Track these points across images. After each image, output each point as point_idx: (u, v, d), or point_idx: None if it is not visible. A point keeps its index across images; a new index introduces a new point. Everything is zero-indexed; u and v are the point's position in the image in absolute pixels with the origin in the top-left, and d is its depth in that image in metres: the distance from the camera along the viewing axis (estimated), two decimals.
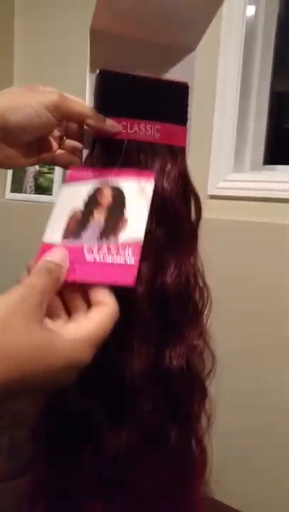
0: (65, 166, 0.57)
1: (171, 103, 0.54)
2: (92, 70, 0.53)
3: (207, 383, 0.56)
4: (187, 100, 0.55)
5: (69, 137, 0.57)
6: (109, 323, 0.42)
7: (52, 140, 0.57)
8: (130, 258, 0.45)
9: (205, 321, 0.56)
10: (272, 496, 1.22)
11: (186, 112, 0.55)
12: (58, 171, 1.59)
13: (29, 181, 1.66)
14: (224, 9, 1.28)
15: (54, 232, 0.48)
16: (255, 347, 1.24)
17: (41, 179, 1.63)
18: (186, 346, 0.52)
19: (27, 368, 0.37)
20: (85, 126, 0.53)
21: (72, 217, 0.49)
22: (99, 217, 0.48)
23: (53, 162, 0.58)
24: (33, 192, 1.64)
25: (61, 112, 0.49)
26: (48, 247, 0.46)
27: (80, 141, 0.55)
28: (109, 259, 0.45)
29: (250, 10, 1.33)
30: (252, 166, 1.41)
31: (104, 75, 0.52)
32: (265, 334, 1.22)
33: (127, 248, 0.46)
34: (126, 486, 0.53)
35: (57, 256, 0.44)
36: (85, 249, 0.46)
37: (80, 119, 0.52)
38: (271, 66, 1.39)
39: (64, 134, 0.57)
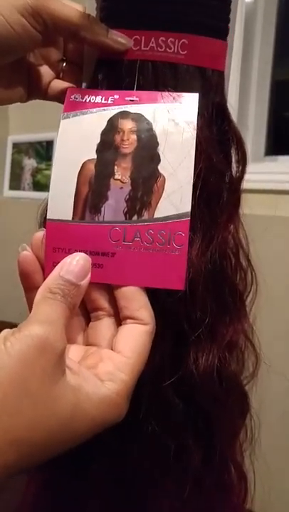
0: (62, 102, 0.40)
1: (204, 5, 0.35)
2: None
3: (248, 391, 0.42)
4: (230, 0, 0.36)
5: (70, 62, 0.40)
6: (148, 351, 0.32)
7: (46, 67, 0.40)
8: (175, 246, 0.32)
9: (249, 311, 0.41)
10: None
11: (228, 19, 0.37)
12: None
13: (27, 179, 1.58)
14: None
15: (60, 201, 0.33)
16: None
17: (39, 176, 1.54)
18: (220, 344, 0.37)
19: (48, 447, 0.27)
20: (86, 46, 0.37)
21: (83, 176, 0.33)
22: (122, 176, 0.33)
23: (46, 96, 0.41)
24: (31, 189, 1.56)
25: (42, 20, 0.33)
26: (55, 228, 0.33)
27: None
28: (145, 248, 0.32)
29: None
30: (253, 157, 1.31)
31: None
32: None
33: (169, 230, 0.32)
34: None
35: (75, 270, 0.31)
36: (109, 234, 0.33)
37: (70, 31, 0.34)
38: (272, 55, 1.31)
39: (63, 58, 0.40)
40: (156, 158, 0.33)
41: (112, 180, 0.33)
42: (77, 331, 0.35)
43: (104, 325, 0.34)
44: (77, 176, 0.33)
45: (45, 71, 0.40)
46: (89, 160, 0.33)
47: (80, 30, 0.34)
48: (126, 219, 0.32)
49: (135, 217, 0.32)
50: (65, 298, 0.29)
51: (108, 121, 0.34)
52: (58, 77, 0.40)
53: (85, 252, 0.32)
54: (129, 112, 0.34)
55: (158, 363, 0.35)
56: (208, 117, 0.37)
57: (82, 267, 0.31)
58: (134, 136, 0.33)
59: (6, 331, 0.28)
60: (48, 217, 0.33)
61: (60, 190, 0.33)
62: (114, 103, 0.34)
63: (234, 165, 0.40)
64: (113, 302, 0.34)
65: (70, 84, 0.39)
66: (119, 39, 0.35)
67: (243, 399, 0.41)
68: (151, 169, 0.33)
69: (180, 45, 0.35)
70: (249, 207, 0.41)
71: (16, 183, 1.60)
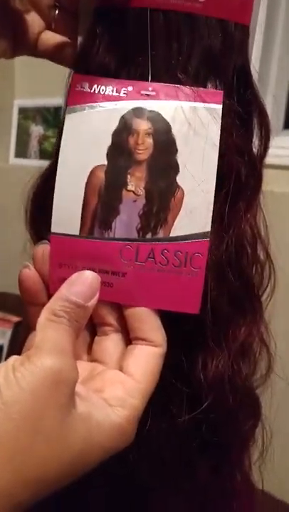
0: (53, 59, 0.35)
1: None
2: None
3: (260, 399, 0.39)
4: None
5: (63, 9, 0.34)
6: (159, 375, 0.30)
7: (35, 15, 0.34)
8: (192, 268, 0.29)
9: (264, 309, 0.37)
10: None
11: None
12: None
13: (34, 146, 1.53)
14: None
15: (66, 213, 0.30)
16: None
17: (46, 144, 1.49)
18: (232, 348, 0.34)
19: (59, 481, 0.26)
20: None
21: (92, 185, 0.29)
22: (136, 187, 0.29)
23: (35, 50, 0.34)
24: (38, 157, 1.51)
25: None
26: (60, 242, 0.30)
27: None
28: (158, 269, 0.29)
29: None
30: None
31: None
32: None
33: (186, 251, 0.29)
34: None
35: (83, 290, 0.28)
36: (120, 252, 0.30)
37: None
38: None
39: (55, 3, 0.34)
40: (174, 168, 0.29)
41: (124, 191, 0.29)
42: (82, 346, 0.33)
43: (111, 342, 0.32)
44: (85, 184, 0.29)
45: (34, 20, 0.34)
46: (98, 166, 0.29)
47: None
48: (139, 236, 0.29)
49: (149, 235, 0.29)
50: (71, 322, 0.27)
51: (120, 119, 0.30)
52: (49, 27, 0.34)
53: (94, 270, 0.29)
54: (145, 110, 0.30)
55: (161, 373, 0.32)
56: (229, 83, 0.32)
57: (90, 287, 0.28)
58: (150, 140, 0.29)
59: (13, 359, 0.26)
60: (52, 230, 0.30)
61: (66, 201, 0.30)
62: (128, 97, 0.30)
63: (255, 141, 0.35)
64: (121, 318, 0.31)
65: (63, 38, 0.34)
66: None
67: (254, 406, 0.38)
68: (169, 180, 0.29)
69: None
70: (265, 183, 0.37)
71: (22, 151, 1.55)
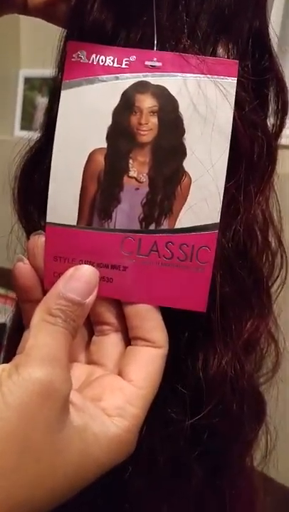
0: (45, 17, 0.32)
1: None
2: None
3: (266, 398, 0.36)
4: None
5: None
6: (161, 378, 0.28)
7: None
8: (199, 262, 0.27)
9: (274, 302, 0.34)
10: None
11: None
12: None
13: (39, 118, 1.49)
14: None
15: (63, 201, 0.27)
16: None
17: None
18: (236, 345, 0.31)
19: (52, 501, 0.24)
20: None
21: (90, 171, 0.27)
22: (139, 174, 0.27)
23: (25, 8, 0.32)
24: None
25: None
26: (56, 233, 0.28)
27: None
28: (162, 264, 0.27)
29: None
30: None
31: None
32: None
33: (192, 244, 0.27)
34: None
35: (80, 286, 0.26)
36: (121, 245, 0.28)
37: None
38: None
39: None
40: (181, 152, 0.26)
41: (125, 177, 0.27)
42: (79, 347, 0.31)
43: (110, 342, 0.30)
44: (83, 169, 0.27)
45: None
46: (98, 149, 0.27)
47: None
48: (141, 227, 0.27)
49: (153, 226, 0.27)
50: (67, 322, 0.26)
51: (122, 95, 0.27)
52: None
53: (92, 264, 0.27)
54: (149, 84, 0.27)
55: None
56: (243, 48, 0.28)
57: (88, 283, 0.27)
58: (154, 120, 0.27)
59: (0, 369, 0.24)
60: (47, 220, 0.28)
61: (63, 188, 0.27)
62: (130, 68, 0.27)
63: (270, 116, 0.32)
64: (121, 317, 0.30)
65: None
66: None
67: (258, 407, 0.36)
68: (175, 166, 0.26)
69: None
70: (280, 164, 0.34)
71: (27, 123, 1.51)
